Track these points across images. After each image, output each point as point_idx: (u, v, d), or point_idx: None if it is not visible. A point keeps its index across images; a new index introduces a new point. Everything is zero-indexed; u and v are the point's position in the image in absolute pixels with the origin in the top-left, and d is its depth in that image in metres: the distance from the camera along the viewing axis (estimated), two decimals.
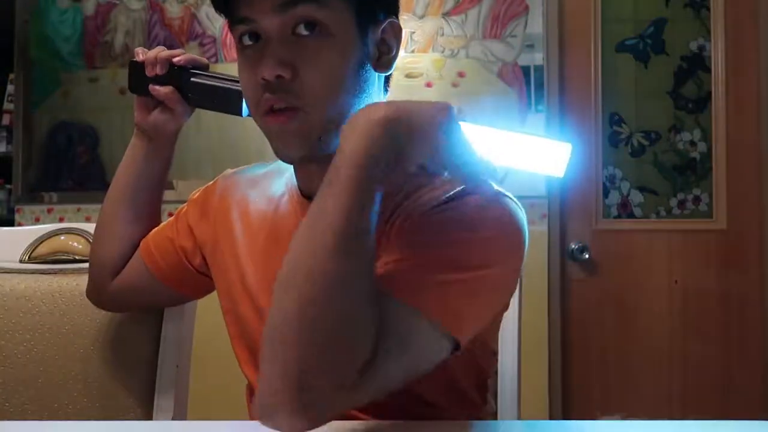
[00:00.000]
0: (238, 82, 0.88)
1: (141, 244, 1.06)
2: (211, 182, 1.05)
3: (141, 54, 1.02)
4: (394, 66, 0.87)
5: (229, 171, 1.05)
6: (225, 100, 0.96)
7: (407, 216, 0.80)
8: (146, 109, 1.02)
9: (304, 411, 0.63)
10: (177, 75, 0.99)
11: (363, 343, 0.65)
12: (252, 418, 0.95)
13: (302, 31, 0.78)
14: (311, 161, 0.83)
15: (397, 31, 0.86)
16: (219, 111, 0.98)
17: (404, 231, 0.79)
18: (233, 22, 0.82)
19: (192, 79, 0.98)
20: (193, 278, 1.04)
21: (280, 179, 0.97)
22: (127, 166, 1.06)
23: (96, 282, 1.09)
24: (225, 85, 0.96)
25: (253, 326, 0.92)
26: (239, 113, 0.94)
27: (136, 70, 1.01)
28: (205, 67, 1.01)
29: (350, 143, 0.68)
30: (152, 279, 1.04)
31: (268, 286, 0.89)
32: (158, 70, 0.99)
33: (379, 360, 0.66)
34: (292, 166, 0.97)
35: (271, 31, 0.78)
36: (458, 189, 0.78)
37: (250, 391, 0.97)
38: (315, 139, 0.80)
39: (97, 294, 1.10)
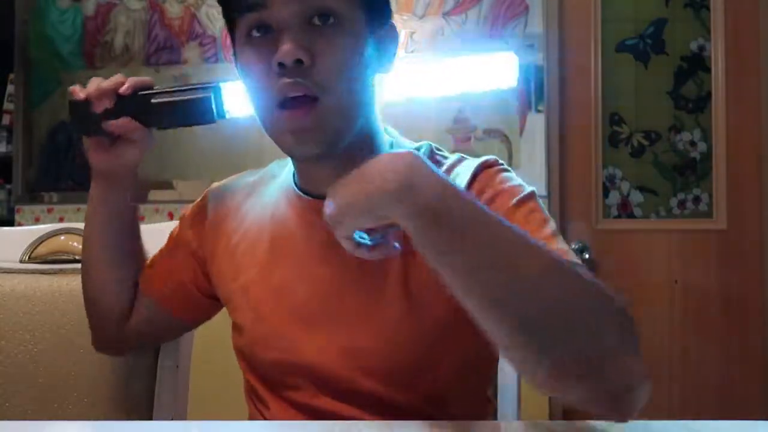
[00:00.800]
0: (197, 88, 0.85)
1: (143, 286, 1.02)
2: (199, 199, 1.02)
3: (79, 92, 0.89)
4: (392, 68, 0.87)
5: (215, 184, 1.02)
6: (194, 112, 0.87)
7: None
8: (101, 149, 0.91)
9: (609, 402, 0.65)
10: (129, 103, 0.88)
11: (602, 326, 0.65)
12: (251, 418, 0.95)
13: (317, 21, 0.78)
14: (326, 159, 0.82)
15: (395, 35, 0.87)
16: (189, 125, 0.89)
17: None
18: (240, 11, 0.81)
19: (152, 100, 0.88)
20: (208, 305, 1.02)
21: (272, 184, 0.96)
22: (96, 213, 0.97)
23: (101, 332, 1.04)
24: (191, 96, 0.87)
25: (252, 334, 0.91)
26: (212, 120, 0.87)
27: (80, 109, 0.89)
28: (152, 86, 0.90)
29: (422, 182, 0.64)
30: (169, 317, 1.02)
31: (270, 294, 0.89)
32: (107, 104, 0.88)
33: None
34: (285, 170, 0.96)
35: (288, 18, 0.78)
36: (454, 158, 0.88)
37: (249, 390, 0.97)
38: (331, 133, 0.80)
39: (105, 343, 1.05)
